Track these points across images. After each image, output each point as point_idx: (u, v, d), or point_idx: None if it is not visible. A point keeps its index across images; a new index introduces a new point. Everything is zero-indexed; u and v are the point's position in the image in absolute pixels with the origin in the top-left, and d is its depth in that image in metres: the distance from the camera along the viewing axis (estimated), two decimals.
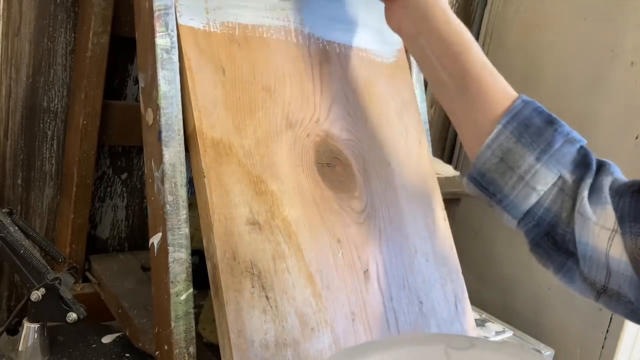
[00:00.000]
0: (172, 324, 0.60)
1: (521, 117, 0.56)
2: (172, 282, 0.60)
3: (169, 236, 0.60)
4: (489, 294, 1.36)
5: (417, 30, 0.63)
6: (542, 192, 0.55)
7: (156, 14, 0.60)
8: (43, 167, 0.89)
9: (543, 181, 0.55)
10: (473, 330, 0.80)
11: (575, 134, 0.57)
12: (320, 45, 0.74)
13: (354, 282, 0.68)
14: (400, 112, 0.80)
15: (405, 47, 0.78)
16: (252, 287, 0.60)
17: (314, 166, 0.69)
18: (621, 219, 0.52)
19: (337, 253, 0.67)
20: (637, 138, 1.11)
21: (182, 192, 0.61)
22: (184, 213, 0.61)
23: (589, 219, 0.53)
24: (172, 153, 0.61)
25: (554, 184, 0.55)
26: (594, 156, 0.57)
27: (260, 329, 0.59)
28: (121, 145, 0.94)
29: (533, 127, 0.56)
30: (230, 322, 0.58)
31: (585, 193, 0.54)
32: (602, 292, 0.55)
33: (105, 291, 0.84)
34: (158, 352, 0.63)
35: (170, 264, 0.60)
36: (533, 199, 0.56)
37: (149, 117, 0.62)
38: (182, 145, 0.62)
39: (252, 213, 0.62)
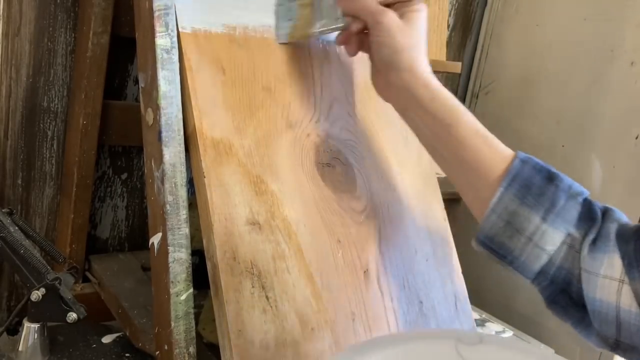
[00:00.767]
0: (172, 324, 0.60)
1: (521, 178, 0.56)
2: (172, 282, 0.60)
3: (169, 236, 0.60)
4: (489, 294, 1.36)
5: (404, 106, 0.63)
6: (552, 252, 0.55)
7: (156, 14, 0.60)
8: (43, 167, 0.89)
9: (551, 241, 0.55)
10: (473, 330, 0.80)
11: (577, 186, 0.57)
12: (320, 45, 0.74)
13: (354, 282, 0.68)
14: None
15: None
16: (252, 287, 0.60)
17: (314, 166, 0.69)
18: (629, 265, 0.52)
19: (337, 253, 0.67)
20: (637, 138, 1.12)
21: (182, 192, 0.61)
22: (184, 213, 0.61)
23: (594, 273, 0.53)
24: (172, 153, 0.61)
25: (563, 242, 0.55)
26: (598, 204, 0.57)
27: (260, 329, 0.59)
28: (121, 145, 0.94)
29: (535, 187, 0.56)
30: (230, 322, 0.58)
31: (586, 250, 0.54)
32: (616, 347, 0.54)
33: (105, 291, 0.84)
34: (158, 352, 0.63)
35: (170, 264, 0.60)
36: (544, 259, 0.56)
37: (149, 117, 0.62)
38: (182, 145, 0.62)
39: (252, 213, 0.62)
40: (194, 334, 0.62)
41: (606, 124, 1.16)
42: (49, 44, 0.85)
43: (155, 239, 0.62)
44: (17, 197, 0.88)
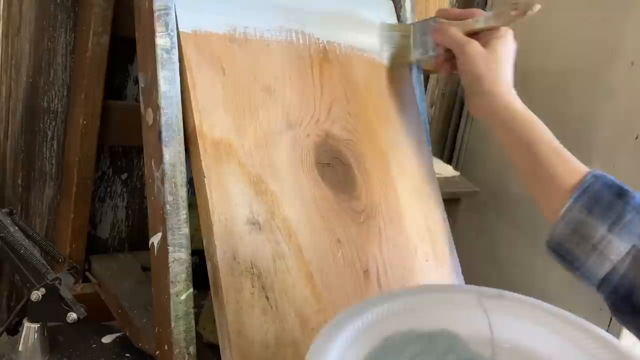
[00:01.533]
0: (172, 324, 0.60)
1: (591, 191, 0.59)
2: (172, 282, 0.60)
3: (169, 236, 0.60)
4: None
5: (489, 125, 0.70)
6: (615, 261, 0.57)
7: (156, 14, 0.60)
8: (43, 167, 0.89)
9: (616, 251, 0.57)
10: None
11: None
12: (320, 45, 0.74)
13: (354, 282, 0.68)
14: (400, 112, 0.80)
15: None
16: (252, 287, 0.60)
17: (314, 166, 0.69)
18: None
19: (337, 253, 0.67)
20: (637, 138, 1.11)
21: (182, 192, 0.61)
22: (184, 213, 0.61)
23: None
24: (172, 153, 0.61)
25: (628, 253, 0.57)
26: None
27: (260, 329, 0.59)
28: (121, 145, 0.94)
29: (603, 201, 0.58)
30: (230, 322, 0.58)
31: None
32: None
33: (105, 291, 0.84)
34: (158, 352, 0.63)
35: (170, 264, 0.60)
36: (607, 266, 0.58)
37: (149, 117, 0.62)
38: (182, 145, 0.62)
39: (252, 213, 0.62)
40: (194, 334, 0.62)
41: (606, 124, 1.16)
42: (49, 44, 0.85)
43: (155, 239, 0.62)
44: (17, 197, 0.88)
